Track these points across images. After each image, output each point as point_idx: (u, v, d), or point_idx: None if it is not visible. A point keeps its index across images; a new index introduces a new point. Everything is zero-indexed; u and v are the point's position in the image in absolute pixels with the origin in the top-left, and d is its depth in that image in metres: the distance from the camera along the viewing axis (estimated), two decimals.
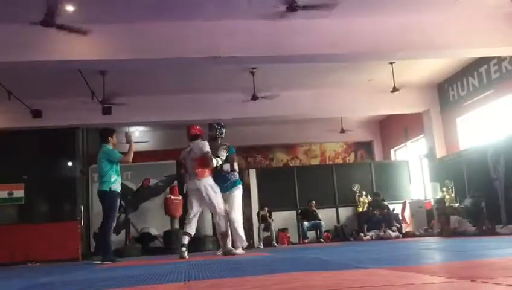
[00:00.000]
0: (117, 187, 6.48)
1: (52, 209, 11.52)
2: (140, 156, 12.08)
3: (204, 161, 5.98)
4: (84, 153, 11.76)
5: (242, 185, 6.72)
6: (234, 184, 6.50)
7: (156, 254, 9.87)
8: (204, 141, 6.17)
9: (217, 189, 6.11)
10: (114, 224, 6.51)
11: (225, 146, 6.41)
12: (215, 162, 6.01)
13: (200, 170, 6.03)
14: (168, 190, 11.56)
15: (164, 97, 10.94)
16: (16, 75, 8.93)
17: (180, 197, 11.10)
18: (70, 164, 11.58)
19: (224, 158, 6.31)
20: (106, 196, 6.39)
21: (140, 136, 13.78)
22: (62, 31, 6.50)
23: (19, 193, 11.00)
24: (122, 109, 10.30)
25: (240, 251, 6.38)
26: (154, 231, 11.14)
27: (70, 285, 3.27)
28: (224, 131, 6.73)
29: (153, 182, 11.53)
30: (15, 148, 11.07)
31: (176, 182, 11.54)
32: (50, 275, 4.45)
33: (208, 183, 6.06)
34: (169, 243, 10.50)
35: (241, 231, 6.39)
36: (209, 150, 5.98)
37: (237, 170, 6.59)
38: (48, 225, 10.45)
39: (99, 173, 6.59)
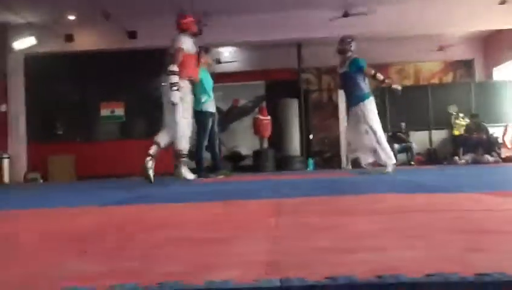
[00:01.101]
0: (208, 107, 6.64)
1: (149, 126, 12.19)
2: (229, 77, 12.28)
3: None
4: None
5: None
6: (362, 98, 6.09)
7: (246, 171, 10.26)
8: (182, 34, 5.44)
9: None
10: (206, 143, 6.68)
11: None
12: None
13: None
14: (257, 110, 11.73)
15: (251, 16, 10.79)
16: None
17: (269, 117, 11.25)
18: (164, 84, 12.04)
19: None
20: (197, 116, 6.60)
21: (229, 56, 13.87)
22: None
23: (120, 111, 11.74)
24: (212, 30, 10.35)
25: (390, 168, 5.96)
26: (244, 151, 11.50)
27: (168, 197, 3.51)
28: (354, 44, 6.28)
29: (242, 102, 11.72)
30: (114, 68, 11.67)
31: (264, 102, 11.65)
32: (150, 187, 4.80)
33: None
34: (259, 161, 10.83)
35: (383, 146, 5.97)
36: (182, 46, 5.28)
37: (378, 74, 6.08)
38: (146, 142, 11.10)
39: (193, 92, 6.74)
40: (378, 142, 5.88)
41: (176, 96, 5.16)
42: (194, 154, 6.75)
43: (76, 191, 5.25)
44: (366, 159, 6.12)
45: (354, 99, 6.10)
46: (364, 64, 6.09)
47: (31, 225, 1.95)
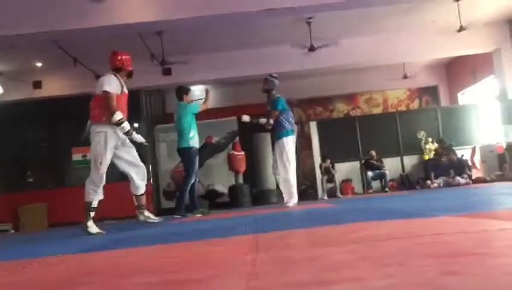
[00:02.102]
0: (195, 143, 6.59)
1: None
2: (201, 114, 12.31)
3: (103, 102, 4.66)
4: (148, 114, 12.12)
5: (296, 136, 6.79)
6: (278, 136, 6.59)
7: (223, 208, 10.17)
8: (112, 74, 4.82)
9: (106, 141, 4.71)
10: (193, 180, 6.57)
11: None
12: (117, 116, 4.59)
13: (96, 111, 4.76)
14: (230, 146, 11.75)
15: (222, 54, 10.95)
16: (79, 41, 9.21)
17: (242, 152, 11.27)
18: (136, 125, 11.98)
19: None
20: (185, 153, 6.56)
21: (200, 94, 13.96)
22: None
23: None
24: (182, 69, 10.44)
25: (290, 204, 6.49)
26: (220, 188, 11.44)
27: (145, 239, 3.44)
28: (276, 83, 6.73)
29: (215, 139, 11.74)
30: (84, 112, 11.54)
31: (237, 138, 11.70)
32: (125, 230, 4.71)
33: (96, 130, 4.74)
34: (235, 197, 10.78)
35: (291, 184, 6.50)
36: (109, 89, 4.66)
37: (271, 123, 6.57)
38: (119, 184, 10.98)
39: (177, 130, 6.69)
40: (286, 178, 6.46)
41: (141, 137, 4.93)
42: (180, 192, 6.67)
43: (48, 239, 5.11)
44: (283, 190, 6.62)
45: (276, 135, 6.64)
46: (279, 105, 6.61)
47: (0, 278, 1.88)
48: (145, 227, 4.61)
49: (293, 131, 6.66)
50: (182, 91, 6.82)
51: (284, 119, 6.59)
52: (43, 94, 10.99)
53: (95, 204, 4.68)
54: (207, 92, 6.71)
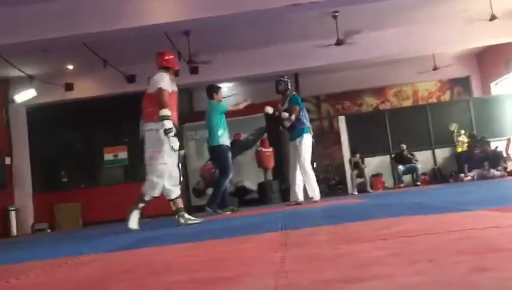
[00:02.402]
0: (225, 141, 6.63)
1: None
2: (229, 112, 12.37)
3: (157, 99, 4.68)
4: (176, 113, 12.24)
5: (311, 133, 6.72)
6: (298, 133, 6.57)
7: (252, 205, 10.21)
8: (165, 73, 4.90)
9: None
10: (230, 176, 6.65)
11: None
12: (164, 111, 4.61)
13: (149, 110, 4.80)
14: (259, 143, 11.77)
15: (248, 51, 10.98)
16: (109, 44, 9.38)
17: (271, 149, 11.27)
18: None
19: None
20: (215, 151, 6.62)
21: (227, 91, 14.02)
22: None
23: (123, 155, 11.81)
24: (209, 67, 10.51)
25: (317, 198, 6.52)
26: (249, 184, 11.48)
27: (176, 237, 3.49)
28: (289, 83, 6.95)
29: (243, 136, 11.77)
30: (115, 113, 11.80)
31: (266, 134, 11.70)
32: (157, 228, 4.79)
33: (149, 128, 4.79)
34: (264, 194, 10.79)
35: (311, 182, 6.52)
36: (164, 87, 4.73)
37: (292, 119, 6.56)
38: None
39: (208, 128, 6.77)
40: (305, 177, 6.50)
41: (176, 142, 4.68)
42: (215, 189, 6.75)
43: (83, 238, 5.24)
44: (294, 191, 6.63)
45: (295, 131, 6.62)
46: (299, 101, 6.71)
47: (38, 278, 1.94)
48: (175, 225, 4.67)
49: (310, 128, 6.74)
50: (213, 89, 6.89)
51: (302, 116, 6.67)
52: (75, 96, 11.26)
53: (147, 198, 4.73)
54: (245, 101, 6.88)
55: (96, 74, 10.99)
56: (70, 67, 10.88)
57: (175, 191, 4.81)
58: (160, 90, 4.64)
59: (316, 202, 6.47)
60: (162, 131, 4.60)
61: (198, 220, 4.84)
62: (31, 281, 1.82)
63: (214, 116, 6.61)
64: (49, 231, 10.72)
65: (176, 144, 4.68)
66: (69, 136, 12.32)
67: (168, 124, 4.58)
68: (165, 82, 4.72)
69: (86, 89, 11.45)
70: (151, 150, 4.71)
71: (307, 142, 6.56)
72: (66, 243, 4.71)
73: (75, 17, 7.62)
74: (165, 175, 4.69)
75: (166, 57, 5.04)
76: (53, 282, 1.77)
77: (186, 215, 4.82)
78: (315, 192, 6.58)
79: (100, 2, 7.63)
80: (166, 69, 4.96)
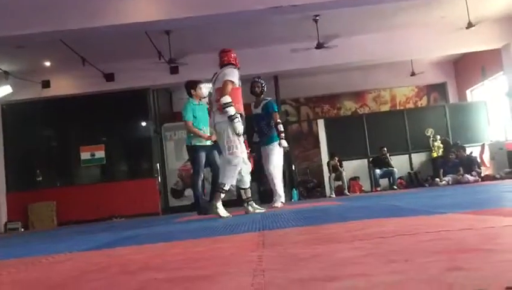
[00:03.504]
0: (197, 141, 6.33)
1: (131, 167, 12.16)
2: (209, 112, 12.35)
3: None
4: (156, 113, 12.16)
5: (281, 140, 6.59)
6: (270, 140, 6.56)
7: (232, 206, 10.18)
8: (234, 68, 5.15)
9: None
10: (201, 177, 6.38)
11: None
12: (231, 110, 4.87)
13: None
14: None
15: None
16: (88, 41, 9.26)
17: (249, 150, 11.26)
18: (144, 124, 12.06)
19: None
20: (188, 150, 6.50)
21: (206, 92, 13.96)
22: None
23: (100, 154, 11.65)
24: (189, 67, 10.46)
25: (278, 204, 6.47)
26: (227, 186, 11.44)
27: (153, 237, 3.46)
28: (265, 85, 6.83)
29: None
30: (93, 111, 11.66)
31: (245, 136, 11.69)
32: (134, 228, 4.74)
33: (222, 119, 4.96)
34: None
35: (277, 187, 6.51)
36: (231, 79, 4.98)
37: (280, 126, 6.53)
38: (129, 183, 11.10)
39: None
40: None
41: (240, 126, 4.92)
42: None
43: (57, 237, 5.15)
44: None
45: (268, 138, 6.59)
46: (276, 108, 6.63)
47: (11, 276, 1.90)
48: (153, 225, 4.63)
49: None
50: (190, 85, 6.56)
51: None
52: (52, 93, 11.08)
53: (227, 187, 4.93)
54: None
55: (74, 71, 10.83)
56: (48, 64, 10.70)
57: (248, 180, 5.25)
58: (224, 82, 4.91)
59: (277, 207, 6.38)
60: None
61: (263, 210, 5.30)
62: (4, 279, 1.78)
63: (187, 116, 6.32)
64: (22, 230, 10.51)
65: (239, 128, 4.90)
66: (45, 134, 12.12)
67: (231, 110, 4.81)
68: (234, 76, 5.01)
69: (63, 86, 11.28)
70: (225, 140, 4.92)
71: (279, 148, 6.56)
72: (40, 242, 4.62)
73: (53, 13, 7.48)
74: (241, 163, 4.98)
75: (233, 54, 5.32)
76: (27, 280, 1.74)
77: (254, 205, 5.24)
78: (281, 197, 6.56)
79: None
80: (232, 64, 5.23)
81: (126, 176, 11.66)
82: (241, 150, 4.96)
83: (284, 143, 6.48)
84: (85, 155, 11.65)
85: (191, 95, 6.51)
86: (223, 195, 4.92)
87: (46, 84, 10.88)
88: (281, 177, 6.68)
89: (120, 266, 1.86)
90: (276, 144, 6.53)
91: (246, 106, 7.00)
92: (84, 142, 11.71)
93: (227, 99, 4.80)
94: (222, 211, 4.84)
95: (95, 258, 2.34)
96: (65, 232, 6.32)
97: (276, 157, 6.55)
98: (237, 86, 5.03)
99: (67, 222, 10.47)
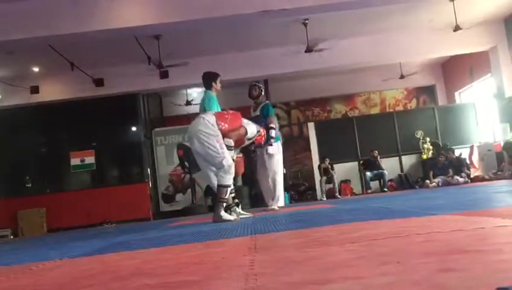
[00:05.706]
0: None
1: (122, 173, 12.11)
2: (189, 118, 12.34)
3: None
4: (146, 118, 12.13)
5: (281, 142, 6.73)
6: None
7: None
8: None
9: None
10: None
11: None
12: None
13: None
14: None
15: (219, 57, 10.94)
16: (77, 46, 9.21)
17: (241, 155, 11.23)
18: (134, 129, 12.01)
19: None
20: None
21: (197, 97, 13.97)
22: None
23: (90, 159, 11.58)
24: (179, 72, 10.45)
25: (276, 207, 6.50)
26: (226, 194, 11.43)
27: (144, 242, 3.45)
28: (263, 88, 6.94)
29: None
30: (82, 116, 11.59)
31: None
32: (125, 234, 4.71)
33: None
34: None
35: (278, 188, 6.53)
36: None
37: (272, 131, 6.44)
38: (119, 188, 11.04)
39: None
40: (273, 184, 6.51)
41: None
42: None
43: (47, 244, 5.10)
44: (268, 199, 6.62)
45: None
46: (272, 111, 6.68)
47: (1, 284, 1.88)
48: (144, 230, 4.60)
49: (279, 136, 6.79)
50: (210, 78, 6.03)
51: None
52: (41, 99, 10.99)
53: (226, 195, 4.86)
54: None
55: (63, 77, 10.77)
56: (36, 69, 10.62)
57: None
58: None
59: (273, 209, 6.40)
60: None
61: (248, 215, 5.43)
62: None
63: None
64: (11, 237, 10.40)
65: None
66: (34, 140, 12.02)
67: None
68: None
69: (52, 92, 11.20)
70: (208, 146, 4.76)
71: (278, 148, 6.58)
72: (30, 249, 4.58)
73: (41, 18, 7.44)
74: (232, 164, 4.95)
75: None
76: (17, 288, 1.72)
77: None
78: (279, 200, 6.60)
79: (67, 2, 7.47)
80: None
81: (117, 182, 11.60)
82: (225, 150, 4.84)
83: (270, 149, 6.41)
84: (75, 161, 11.57)
85: (209, 88, 5.96)
86: (225, 203, 4.86)
87: (35, 90, 10.78)
88: (282, 178, 6.68)
89: (112, 272, 1.84)
90: (276, 144, 6.53)
91: (246, 109, 7.08)
92: (74, 148, 11.64)
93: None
94: (227, 216, 4.72)
95: (86, 265, 2.32)
96: (55, 239, 6.26)
97: (277, 158, 6.55)
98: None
99: (57, 228, 10.39)
